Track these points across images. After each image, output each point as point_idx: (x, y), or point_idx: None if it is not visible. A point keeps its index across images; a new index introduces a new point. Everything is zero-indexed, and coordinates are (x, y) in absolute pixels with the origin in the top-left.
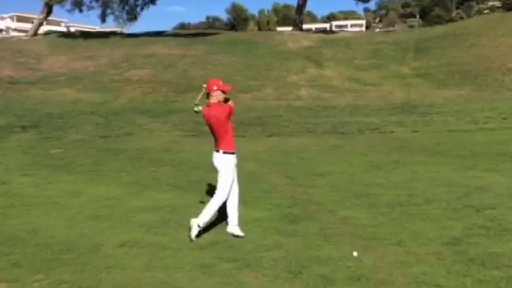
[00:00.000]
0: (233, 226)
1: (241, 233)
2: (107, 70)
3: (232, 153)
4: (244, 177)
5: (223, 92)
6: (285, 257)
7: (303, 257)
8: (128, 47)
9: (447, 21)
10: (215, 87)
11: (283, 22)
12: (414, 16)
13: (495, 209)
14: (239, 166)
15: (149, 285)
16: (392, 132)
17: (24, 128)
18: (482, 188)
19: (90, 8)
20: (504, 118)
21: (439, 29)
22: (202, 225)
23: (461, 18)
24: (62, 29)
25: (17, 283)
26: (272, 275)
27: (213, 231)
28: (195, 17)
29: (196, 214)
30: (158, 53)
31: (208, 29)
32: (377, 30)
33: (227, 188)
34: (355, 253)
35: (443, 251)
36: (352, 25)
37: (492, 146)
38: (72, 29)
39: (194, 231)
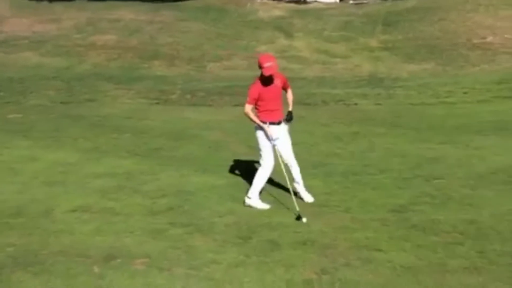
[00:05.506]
0: None
1: None
2: (71, 34)
3: None
4: (206, 145)
5: None
6: (236, 222)
7: (254, 223)
8: (93, 11)
9: None
10: None
11: None
12: None
13: (443, 179)
14: (204, 134)
15: (97, 249)
16: (355, 104)
17: None
18: (435, 159)
19: None
20: (465, 93)
21: (410, 2)
22: None
23: None
24: None
25: None
26: (222, 240)
27: (168, 197)
28: None
29: (153, 181)
30: (124, 18)
31: None
32: (351, 2)
33: None
34: (304, 219)
35: (388, 217)
36: None
37: (450, 119)
38: None
39: None
